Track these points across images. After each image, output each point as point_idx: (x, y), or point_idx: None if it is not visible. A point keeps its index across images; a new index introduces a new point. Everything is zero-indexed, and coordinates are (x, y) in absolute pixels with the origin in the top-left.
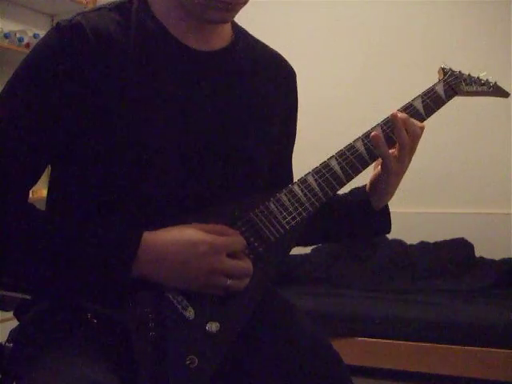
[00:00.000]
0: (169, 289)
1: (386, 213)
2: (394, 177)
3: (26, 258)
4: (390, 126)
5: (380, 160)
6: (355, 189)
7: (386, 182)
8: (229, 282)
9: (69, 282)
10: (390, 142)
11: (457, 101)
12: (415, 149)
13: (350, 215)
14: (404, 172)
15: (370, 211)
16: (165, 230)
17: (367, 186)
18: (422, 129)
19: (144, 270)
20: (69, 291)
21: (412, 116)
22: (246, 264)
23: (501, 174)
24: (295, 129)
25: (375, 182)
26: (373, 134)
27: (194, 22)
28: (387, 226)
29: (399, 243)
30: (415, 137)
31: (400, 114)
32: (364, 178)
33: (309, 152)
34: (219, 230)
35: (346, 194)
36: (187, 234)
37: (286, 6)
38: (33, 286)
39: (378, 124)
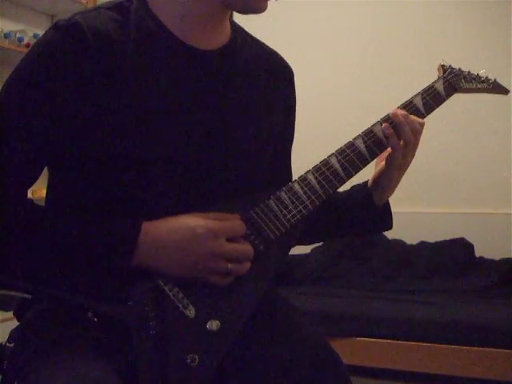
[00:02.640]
0: (170, 277)
1: (387, 209)
2: (397, 172)
3: (25, 252)
4: (389, 123)
5: (382, 156)
6: (356, 185)
7: (390, 177)
8: (230, 266)
9: (70, 274)
10: (382, 145)
11: (457, 100)
12: (417, 145)
13: (351, 211)
14: (406, 168)
15: (372, 207)
16: (163, 219)
17: (369, 183)
18: (422, 125)
19: (145, 259)
20: (70, 285)
21: (412, 113)
22: (245, 247)
23: (501, 174)
24: (293, 127)
25: (378, 177)
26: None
27: (193, 20)
28: (389, 222)
29: (399, 243)
30: (416, 133)
31: (400, 112)
32: (364, 176)
33: (309, 150)
34: (218, 216)
35: (347, 190)
36: (185, 220)
37: (285, 5)
38: (34, 281)
39: (377, 122)
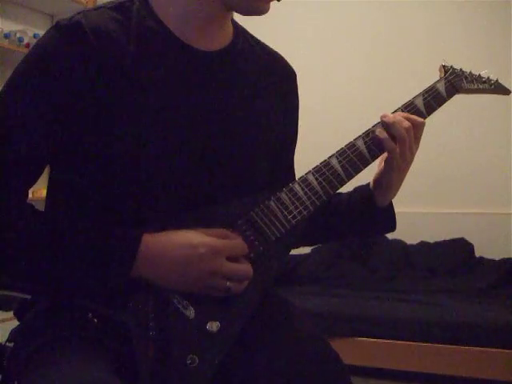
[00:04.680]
0: (168, 291)
1: (390, 211)
2: (397, 173)
3: (24, 258)
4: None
5: (383, 157)
6: (358, 187)
7: (390, 179)
8: (228, 284)
9: (68, 282)
10: (383, 146)
11: (457, 101)
12: (415, 145)
13: (354, 213)
14: (407, 169)
15: (374, 209)
16: (165, 233)
17: (371, 184)
18: (422, 124)
19: (143, 272)
20: (68, 292)
21: (413, 114)
22: (245, 267)
23: (501, 174)
24: (296, 128)
25: (379, 179)
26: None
27: (195, 21)
28: (391, 224)
29: (399, 243)
30: (408, 129)
31: (389, 117)
32: (365, 176)
33: (309, 151)
34: (220, 234)
35: (349, 192)
36: (187, 236)
37: (287, 6)
38: (32, 287)
39: (378, 122)
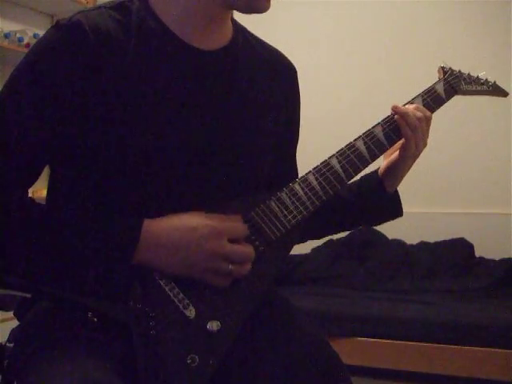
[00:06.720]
0: (170, 276)
1: (397, 196)
2: (410, 160)
3: (26, 249)
4: (389, 124)
5: (395, 147)
6: (366, 175)
7: (403, 167)
8: (231, 266)
9: (70, 272)
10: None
11: (457, 100)
12: (427, 133)
13: (363, 199)
14: (418, 156)
15: (384, 195)
16: (166, 217)
17: (380, 171)
18: (429, 117)
19: (145, 257)
20: (70, 283)
21: None
22: (247, 248)
23: (501, 174)
24: (298, 125)
25: (392, 166)
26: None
27: (195, 20)
28: (399, 210)
29: (399, 243)
30: (420, 120)
31: (402, 107)
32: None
33: (310, 151)
34: (221, 216)
35: (356, 180)
36: (188, 219)
37: (288, 5)
38: (34, 280)
39: (378, 123)
